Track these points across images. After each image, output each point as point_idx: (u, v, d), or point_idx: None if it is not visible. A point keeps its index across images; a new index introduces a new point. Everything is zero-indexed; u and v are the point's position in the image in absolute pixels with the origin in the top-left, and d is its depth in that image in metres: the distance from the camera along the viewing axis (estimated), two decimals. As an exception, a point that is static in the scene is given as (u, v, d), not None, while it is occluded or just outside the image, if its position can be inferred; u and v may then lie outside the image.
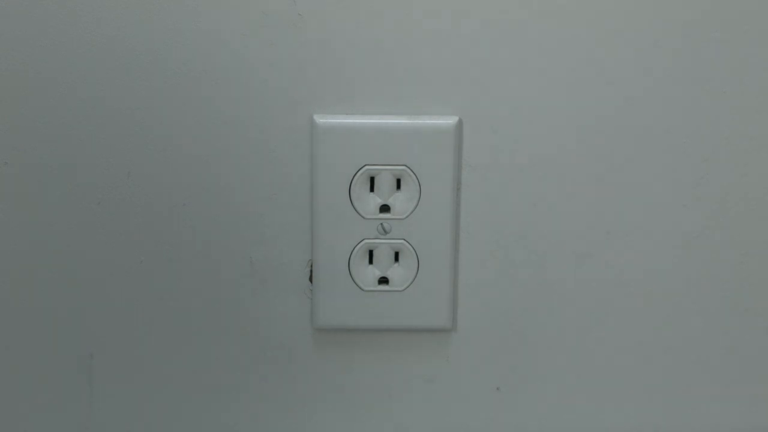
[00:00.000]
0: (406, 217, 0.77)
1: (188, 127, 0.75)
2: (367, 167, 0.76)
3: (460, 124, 0.75)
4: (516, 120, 0.75)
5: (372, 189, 0.76)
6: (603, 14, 0.73)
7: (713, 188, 0.77)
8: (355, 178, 0.76)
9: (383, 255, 0.77)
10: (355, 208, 0.76)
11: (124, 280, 0.78)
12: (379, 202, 0.76)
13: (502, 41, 0.74)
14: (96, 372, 0.81)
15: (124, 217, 0.77)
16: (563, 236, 0.78)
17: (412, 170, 0.76)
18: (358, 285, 0.78)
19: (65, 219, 0.77)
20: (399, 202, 0.76)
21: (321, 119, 0.75)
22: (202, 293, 0.79)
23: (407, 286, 0.78)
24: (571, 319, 0.80)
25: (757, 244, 0.78)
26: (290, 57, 0.74)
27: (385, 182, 0.76)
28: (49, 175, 0.76)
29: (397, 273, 0.78)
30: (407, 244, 0.77)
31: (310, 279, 0.78)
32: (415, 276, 0.78)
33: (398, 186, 0.76)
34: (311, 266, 0.78)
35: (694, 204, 0.77)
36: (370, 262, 0.77)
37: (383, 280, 0.78)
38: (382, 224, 0.77)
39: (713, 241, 0.78)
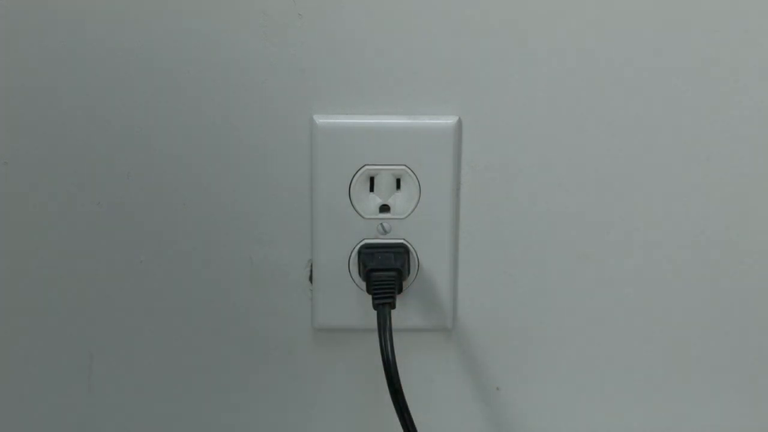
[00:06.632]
0: (406, 217, 0.77)
1: (188, 128, 0.75)
2: (366, 167, 0.76)
3: (459, 124, 0.75)
4: (516, 120, 0.75)
5: (372, 189, 0.76)
6: (604, 13, 0.73)
7: (713, 188, 0.77)
8: (355, 178, 0.76)
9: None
10: (355, 208, 0.76)
11: (124, 280, 0.78)
12: (379, 202, 0.76)
13: (502, 41, 0.74)
14: (96, 372, 0.81)
15: (124, 217, 0.77)
16: (563, 236, 0.78)
17: (411, 170, 0.76)
18: (358, 285, 0.78)
19: (65, 219, 0.77)
20: (399, 202, 0.76)
21: (321, 119, 0.75)
22: (202, 293, 0.79)
23: (408, 286, 0.78)
24: (571, 319, 0.80)
25: (757, 245, 0.78)
26: (290, 57, 0.74)
27: (384, 182, 0.76)
28: (49, 175, 0.76)
29: (397, 273, 0.78)
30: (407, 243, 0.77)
31: (310, 279, 0.79)
32: (416, 275, 0.78)
33: (398, 186, 0.76)
34: (311, 266, 0.78)
35: (695, 204, 0.77)
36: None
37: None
38: (382, 224, 0.77)
39: (714, 241, 0.78)
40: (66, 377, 0.81)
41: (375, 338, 0.73)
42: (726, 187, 0.77)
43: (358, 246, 0.77)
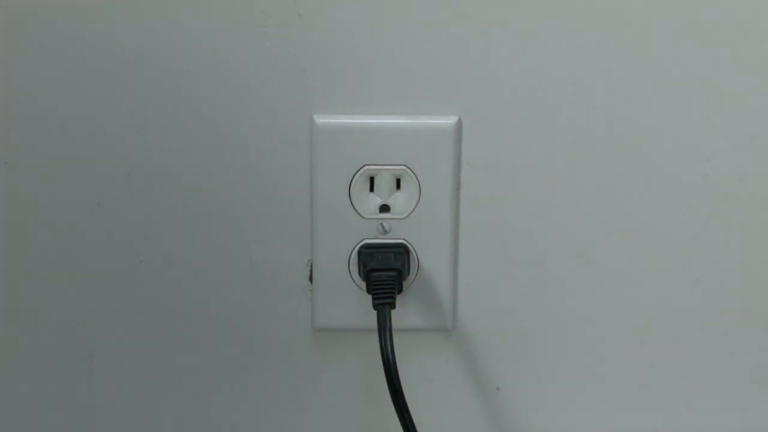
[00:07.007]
0: (406, 217, 0.77)
1: (188, 127, 0.75)
2: (366, 167, 0.76)
3: (459, 124, 0.75)
4: (516, 120, 0.75)
5: (372, 189, 0.76)
6: (603, 14, 0.73)
7: (713, 188, 0.77)
8: (355, 178, 0.76)
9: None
10: (354, 208, 0.76)
11: (124, 280, 0.78)
12: (379, 202, 0.76)
13: (502, 41, 0.74)
14: (96, 372, 0.81)
15: (124, 217, 0.77)
16: (563, 236, 0.78)
17: (411, 170, 0.76)
18: (358, 285, 0.78)
19: (65, 219, 0.77)
20: (399, 202, 0.76)
21: (321, 119, 0.75)
22: (202, 293, 0.79)
23: (408, 286, 0.78)
24: (571, 319, 0.80)
25: (757, 244, 0.78)
26: (290, 57, 0.74)
27: (384, 182, 0.76)
28: (49, 175, 0.76)
29: (397, 273, 0.78)
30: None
31: (310, 279, 0.79)
32: (416, 275, 0.78)
33: (398, 186, 0.76)
34: (311, 266, 0.78)
35: (694, 204, 0.77)
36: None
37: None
38: (382, 224, 0.77)
39: (713, 241, 0.78)
40: (66, 377, 0.81)
41: (375, 338, 0.73)
42: (726, 187, 0.77)
43: (358, 246, 0.77)
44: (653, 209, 0.78)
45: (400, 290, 0.76)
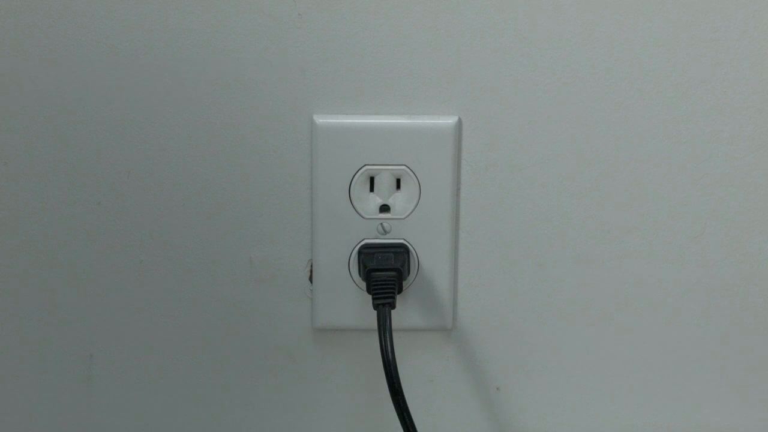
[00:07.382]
0: (406, 217, 0.77)
1: (188, 127, 0.75)
2: (366, 167, 0.76)
3: (459, 124, 0.75)
4: (516, 120, 0.75)
5: (372, 189, 0.76)
6: (603, 14, 0.73)
7: (713, 188, 0.77)
8: (355, 178, 0.76)
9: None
10: (354, 208, 0.76)
11: (124, 280, 0.78)
12: (379, 202, 0.76)
13: (502, 41, 0.74)
14: (96, 372, 0.81)
15: (124, 217, 0.77)
16: (563, 236, 0.78)
17: (412, 170, 0.76)
18: (358, 285, 0.78)
19: (65, 219, 0.77)
20: (399, 202, 0.76)
21: (321, 119, 0.75)
22: (202, 293, 0.79)
23: (408, 286, 0.78)
24: (571, 319, 0.80)
25: (757, 244, 0.78)
26: (290, 57, 0.74)
27: (384, 182, 0.76)
28: (49, 175, 0.76)
29: (397, 273, 0.78)
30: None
31: (310, 279, 0.79)
32: (416, 275, 0.78)
33: (398, 186, 0.76)
34: (311, 266, 0.78)
35: (694, 204, 0.77)
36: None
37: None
38: (382, 224, 0.77)
39: (713, 241, 0.78)
40: (66, 377, 0.81)
41: (375, 338, 0.73)
42: (726, 187, 0.77)
43: (358, 246, 0.77)
44: (653, 209, 0.78)
45: (400, 290, 0.76)
